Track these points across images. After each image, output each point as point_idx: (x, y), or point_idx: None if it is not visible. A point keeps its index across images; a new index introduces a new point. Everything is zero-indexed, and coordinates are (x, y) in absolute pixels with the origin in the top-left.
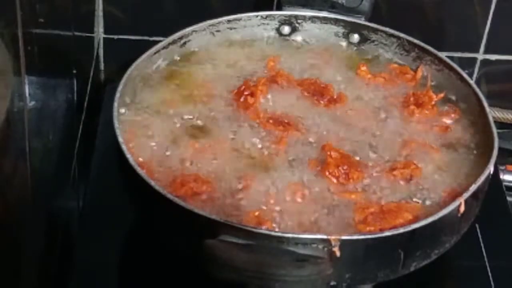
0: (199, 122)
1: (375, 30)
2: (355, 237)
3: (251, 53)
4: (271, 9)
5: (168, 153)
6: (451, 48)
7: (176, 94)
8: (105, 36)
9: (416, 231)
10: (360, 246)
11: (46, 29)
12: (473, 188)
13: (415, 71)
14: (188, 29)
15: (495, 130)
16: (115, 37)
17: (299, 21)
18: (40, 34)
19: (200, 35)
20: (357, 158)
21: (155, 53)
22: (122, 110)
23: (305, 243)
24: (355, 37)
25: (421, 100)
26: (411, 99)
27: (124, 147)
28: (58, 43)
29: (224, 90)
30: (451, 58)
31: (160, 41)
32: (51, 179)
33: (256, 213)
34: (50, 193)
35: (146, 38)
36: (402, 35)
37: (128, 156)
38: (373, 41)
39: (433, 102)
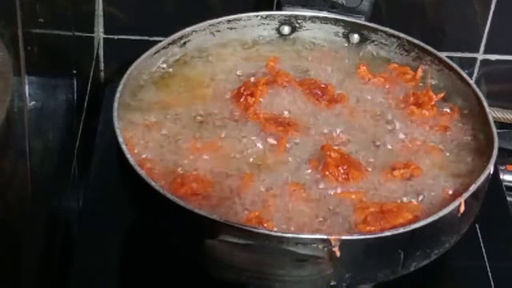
0: (199, 122)
1: (375, 30)
2: (355, 237)
3: (251, 53)
4: (271, 9)
5: (168, 153)
6: (451, 48)
7: (176, 94)
8: (105, 36)
9: (416, 231)
10: (360, 246)
11: (46, 29)
12: (473, 188)
13: (415, 71)
14: (188, 29)
15: (495, 130)
16: (115, 37)
17: (299, 21)
18: (40, 34)
19: (200, 35)
20: (357, 158)
21: (155, 53)
22: (122, 110)
23: (305, 243)
24: (355, 37)
25: (421, 100)
26: (411, 99)
27: (124, 147)
28: (58, 43)
29: (224, 90)
30: (451, 58)
31: (160, 41)
32: (51, 179)
33: (256, 213)
34: (50, 193)
35: (146, 38)
36: (402, 35)
37: (128, 156)
38: (373, 41)
39: (433, 102)
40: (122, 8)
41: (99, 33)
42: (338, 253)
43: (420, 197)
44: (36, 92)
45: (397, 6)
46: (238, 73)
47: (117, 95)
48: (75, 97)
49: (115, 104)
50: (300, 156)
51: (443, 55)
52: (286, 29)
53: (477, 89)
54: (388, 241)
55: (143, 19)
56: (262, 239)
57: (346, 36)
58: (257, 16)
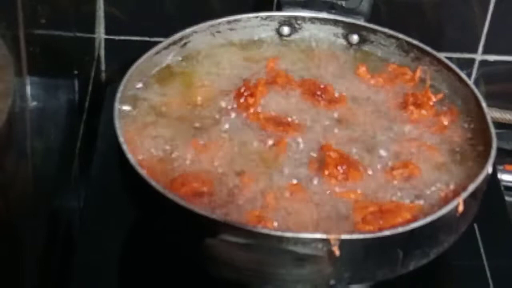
0: (200, 123)
1: (374, 31)
2: (354, 236)
3: (251, 54)
4: (271, 10)
5: (168, 153)
6: (449, 48)
7: (176, 95)
8: (106, 37)
9: (415, 230)
10: (359, 246)
11: (48, 30)
12: (471, 188)
13: (414, 71)
14: (188, 30)
15: (493, 130)
16: (116, 37)
17: (298, 22)
18: (42, 35)
19: (201, 36)
20: (356, 158)
21: (155, 53)
22: (123, 111)
23: (305, 242)
24: (355, 38)
25: (420, 100)
26: (410, 99)
27: (124, 147)
28: (60, 44)
29: (224, 91)
30: (450, 58)
31: (161, 41)
32: (52, 179)
33: (256, 213)
34: (51, 193)
35: (146, 38)
36: (401, 36)
37: (129, 156)
38: (372, 42)
39: (431, 103)
40: (123, 9)
41: (100, 34)
42: (337, 253)
43: (419, 197)
44: (37, 93)
45: (396, 7)
46: (238, 73)
47: (118, 95)
48: (77, 98)
49: (116, 105)
50: (300, 156)
51: (441, 55)
52: (286, 30)
53: (475, 90)
54: (387, 241)
55: (143, 20)
56: (262, 238)
57: (346, 37)
58: (257, 17)
